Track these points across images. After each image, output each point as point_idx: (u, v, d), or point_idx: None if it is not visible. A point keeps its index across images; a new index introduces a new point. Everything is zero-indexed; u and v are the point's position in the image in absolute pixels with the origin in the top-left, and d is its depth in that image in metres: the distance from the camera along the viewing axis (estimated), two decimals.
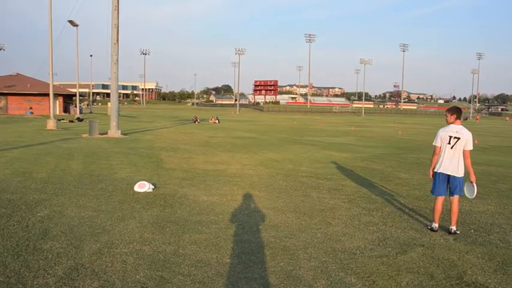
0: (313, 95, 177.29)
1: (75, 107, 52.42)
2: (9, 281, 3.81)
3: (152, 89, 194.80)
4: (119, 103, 24.87)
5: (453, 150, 5.70)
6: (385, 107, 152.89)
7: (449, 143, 5.72)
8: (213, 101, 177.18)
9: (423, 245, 5.16)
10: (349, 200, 7.64)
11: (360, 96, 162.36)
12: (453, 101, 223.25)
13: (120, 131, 21.21)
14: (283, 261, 4.52)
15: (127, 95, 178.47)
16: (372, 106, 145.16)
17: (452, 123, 5.80)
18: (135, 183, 8.16)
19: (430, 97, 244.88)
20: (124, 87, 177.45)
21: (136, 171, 10.21)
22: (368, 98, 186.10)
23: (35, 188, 7.92)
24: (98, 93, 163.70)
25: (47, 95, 30.98)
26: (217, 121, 39.91)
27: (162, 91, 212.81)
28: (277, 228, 5.77)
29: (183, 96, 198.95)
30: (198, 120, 39.53)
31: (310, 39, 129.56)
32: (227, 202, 7.25)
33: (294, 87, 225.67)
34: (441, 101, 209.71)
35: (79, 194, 7.53)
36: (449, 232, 5.69)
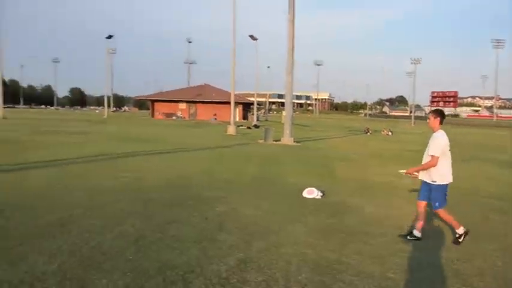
0: (500, 107, 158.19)
1: (253, 114, 56.18)
2: (190, 262, 4.32)
3: (325, 99, 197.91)
4: (293, 112, 25.85)
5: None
6: None
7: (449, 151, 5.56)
8: (386, 113, 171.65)
9: None
10: None
11: None
12: None
13: (292, 139, 22.04)
14: (453, 286, 4.14)
15: (300, 105, 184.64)
16: None
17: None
18: (304, 189, 8.39)
19: None
20: (298, 97, 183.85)
21: (307, 177, 10.48)
22: None
23: (215, 186, 8.77)
24: (273, 103, 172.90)
25: (229, 103, 33.97)
26: (390, 133, 38.50)
27: (335, 101, 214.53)
28: (448, 250, 5.30)
29: (355, 106, 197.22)
30: (370, 131, 38.72)
31: (497, 45, 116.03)
32: (397, 216, 6.94)
33: (477, 98, 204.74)
34: None
35: (253, 194, 8.08)
36: None
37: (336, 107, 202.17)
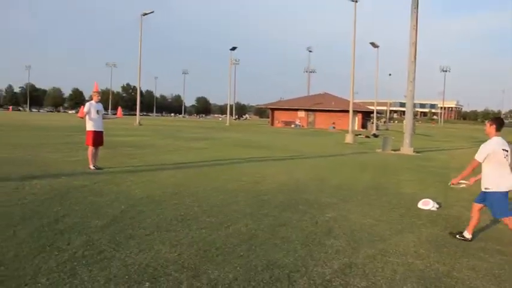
0: None
1: (372, 123, 54.82)
2: (296, 263, 4.55)
3: (451, 107, 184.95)
4: (415, 121, 24.81)
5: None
6: None
7: (505, 155, 5.41)
8: None
9: None
10: None
11: None
12: None
13: (412, 149, 21.13)
14: None
15: (424, 113, 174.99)
16: None
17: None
18: (420, 200, 8.13)
19: None
20: (421, 106, 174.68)
21: (423, 188, 10.08)
22: None
23: (327, 192, 8.89)
24: (395, 111, 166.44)
25: (348, 111, 33.61)
26: None
27: (463, 110, 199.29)
28: None
29: (487, 116, 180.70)
30: None
31: None
32: None
33: None
34: None
35: (364, 202, 8.05)
36: None
37: (464, 116, 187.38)
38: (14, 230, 5.18)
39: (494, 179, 5.46)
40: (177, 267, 4.26)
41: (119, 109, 13.05)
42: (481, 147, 5.56)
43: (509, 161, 5.47)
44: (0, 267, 4.01)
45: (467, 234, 5.83)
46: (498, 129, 5.61)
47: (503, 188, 5.43)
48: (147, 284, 3.84)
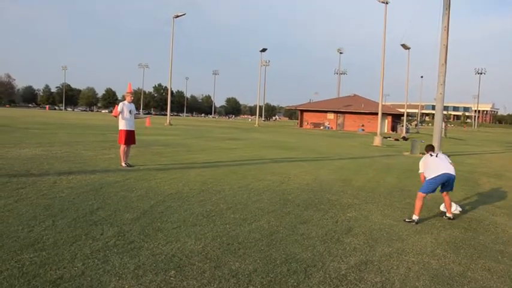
0: None
1: (402, 126, 54.09)
2: (314, 258, 4.77)
3: (487, 111, 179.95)
4: (448, 124, 24.43)
5: (438, 158, 7.41)
6: None
7: (431, 156, 7.50)
8: None
9: None
10: None
11: None
12: None
13: (441, 152, 20.85)
14: None
15: (458, 117, 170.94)
16: None
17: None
18: (442, 203, 8.17)
19: None
20: (455, 109, 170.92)
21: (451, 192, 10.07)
22: None
23: (350, 193, 9.05)
24: (427, 114, 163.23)
25: (377, 114, 33.38)
26: None
27: (499, 113, 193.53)
28: None
29: None
30: None
31: None
32: None
33: None
34: None
35: (386, 204, 8.18)
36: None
37: (500, 120, 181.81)
38: (53, 220, 5.61)
39: (429, 172, 7.22)
40: (200, 258, 4.56)
41: (148, 119, 13.50)
42: (419, 163, 7.58)
43: (443, 156, 7.59)
44: (42, 252, 4.41)
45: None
46: (428, 150, 7.77)
47: (434, 174, 7.11)
48: (173, 271, 4.15)
